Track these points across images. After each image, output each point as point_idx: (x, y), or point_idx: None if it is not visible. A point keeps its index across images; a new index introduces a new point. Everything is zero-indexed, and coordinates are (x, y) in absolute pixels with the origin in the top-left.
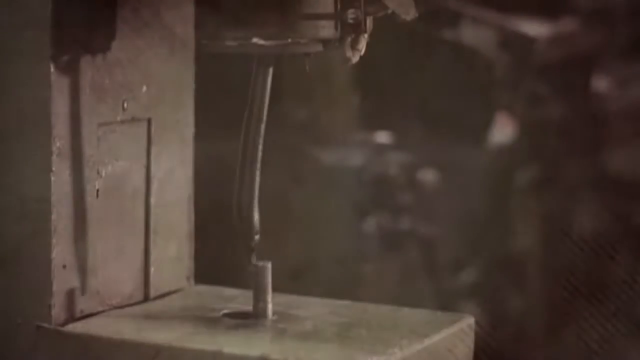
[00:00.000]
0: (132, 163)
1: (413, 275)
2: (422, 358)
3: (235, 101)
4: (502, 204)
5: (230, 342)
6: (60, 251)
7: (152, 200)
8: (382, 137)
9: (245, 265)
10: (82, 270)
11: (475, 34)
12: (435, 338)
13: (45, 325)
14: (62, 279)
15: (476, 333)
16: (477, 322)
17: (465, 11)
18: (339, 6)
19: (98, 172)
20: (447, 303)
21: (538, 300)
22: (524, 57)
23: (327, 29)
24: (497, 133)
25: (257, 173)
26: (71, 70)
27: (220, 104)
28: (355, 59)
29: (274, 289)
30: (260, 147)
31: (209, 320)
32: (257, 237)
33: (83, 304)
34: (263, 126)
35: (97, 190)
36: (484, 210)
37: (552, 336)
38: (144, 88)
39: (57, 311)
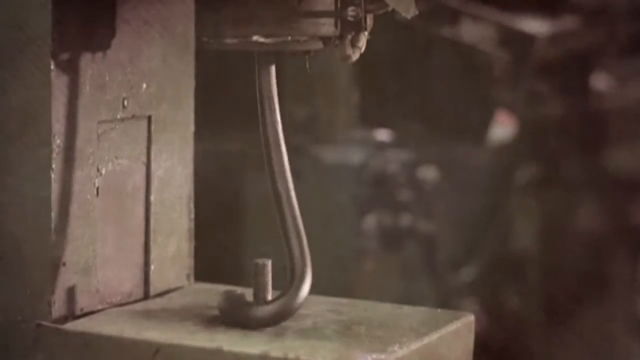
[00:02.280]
0: (132, 161)
1: (413, 273)
2: (422, 356)
3: (235, 100)
4: (502, 202)
5: (230, 340)
6: (60, 249)
7: (152, 198)
8: (382, 135)
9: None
10: (82, 268)
11: (475, 32)
12: (435, 336)
13: (45, 323)
14: (62, 277)
15: (476, 331)
16: (476, 320)
17: (465, 9)
18: (339, 4)
19: (98, 170)
20: (447, 301)
21: (538, 299)
22: (524, 55)
23: (327, 27)
24: (497, 131)
25: (287, 165)
26: (71, 68)
27: (220, 103)
28: (355, 56)
29: (274, 287)
30: (283, 141)
31: (209, 318)
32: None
33: (83, 302)
34: (279, 121)
35: (97, 189)
36: (483, 208)
37: (552, 335)
38: (144, 86)
39: (57, 309)
